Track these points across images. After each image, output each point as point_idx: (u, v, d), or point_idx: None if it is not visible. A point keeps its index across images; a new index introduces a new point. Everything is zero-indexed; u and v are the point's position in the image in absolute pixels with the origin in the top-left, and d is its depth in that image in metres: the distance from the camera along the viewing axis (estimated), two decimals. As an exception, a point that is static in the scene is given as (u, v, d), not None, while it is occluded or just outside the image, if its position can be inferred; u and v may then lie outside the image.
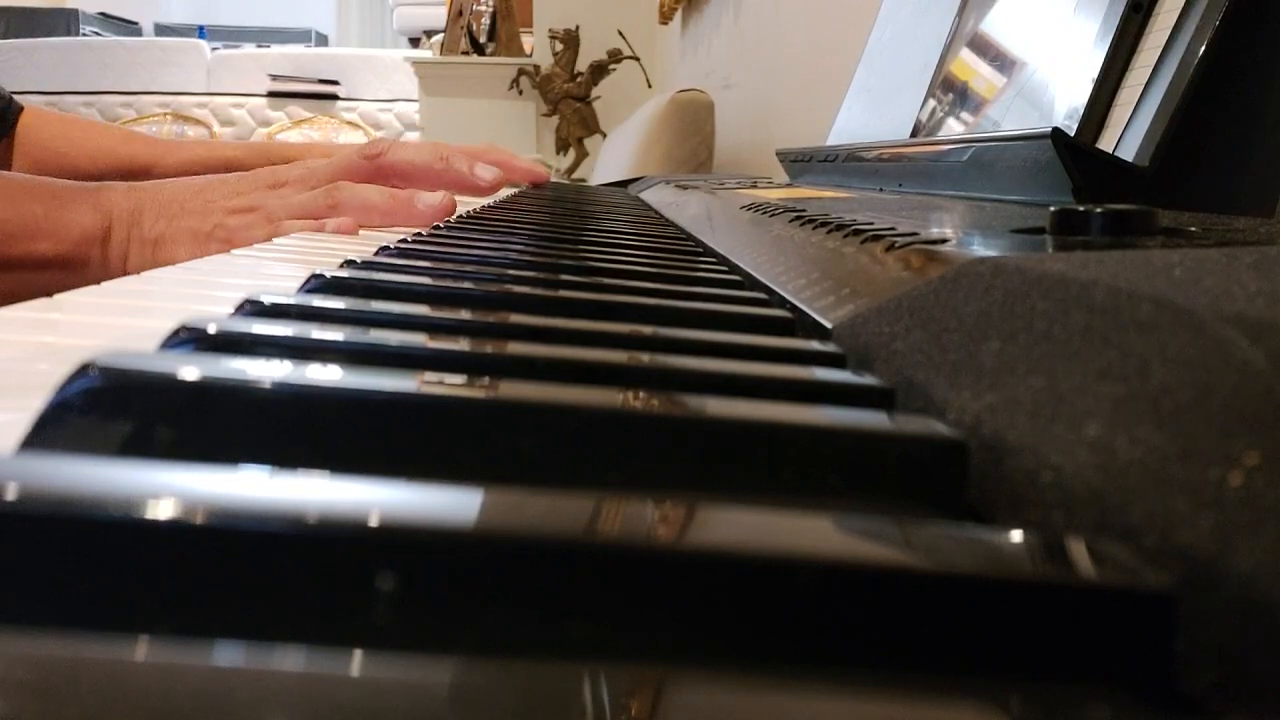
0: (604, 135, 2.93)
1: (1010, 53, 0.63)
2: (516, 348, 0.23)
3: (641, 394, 0.19)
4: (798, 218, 0.46)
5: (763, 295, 0.38)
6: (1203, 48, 0.42)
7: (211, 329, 0.21)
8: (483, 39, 3.39)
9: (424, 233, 0.57)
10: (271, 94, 4.53)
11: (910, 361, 0.22)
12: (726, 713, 0.10)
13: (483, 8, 3.39)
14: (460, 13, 3.42)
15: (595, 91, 3.03)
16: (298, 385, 0.17)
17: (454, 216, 0.71)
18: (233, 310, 0.25)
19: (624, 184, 1.79)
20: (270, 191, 0.68)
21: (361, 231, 0.66)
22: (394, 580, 0.11)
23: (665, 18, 2.88)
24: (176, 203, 0.67)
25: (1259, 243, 0.27)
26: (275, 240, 0.57)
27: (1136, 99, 0.45)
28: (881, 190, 0.72)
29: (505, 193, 1.30)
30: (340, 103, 4.54)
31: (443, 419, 0.17)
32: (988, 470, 0.17)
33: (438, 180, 0.70)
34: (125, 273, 0.64)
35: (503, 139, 3.08)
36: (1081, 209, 0.29)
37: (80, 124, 1.03)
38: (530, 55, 3.35)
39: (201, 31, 5.86)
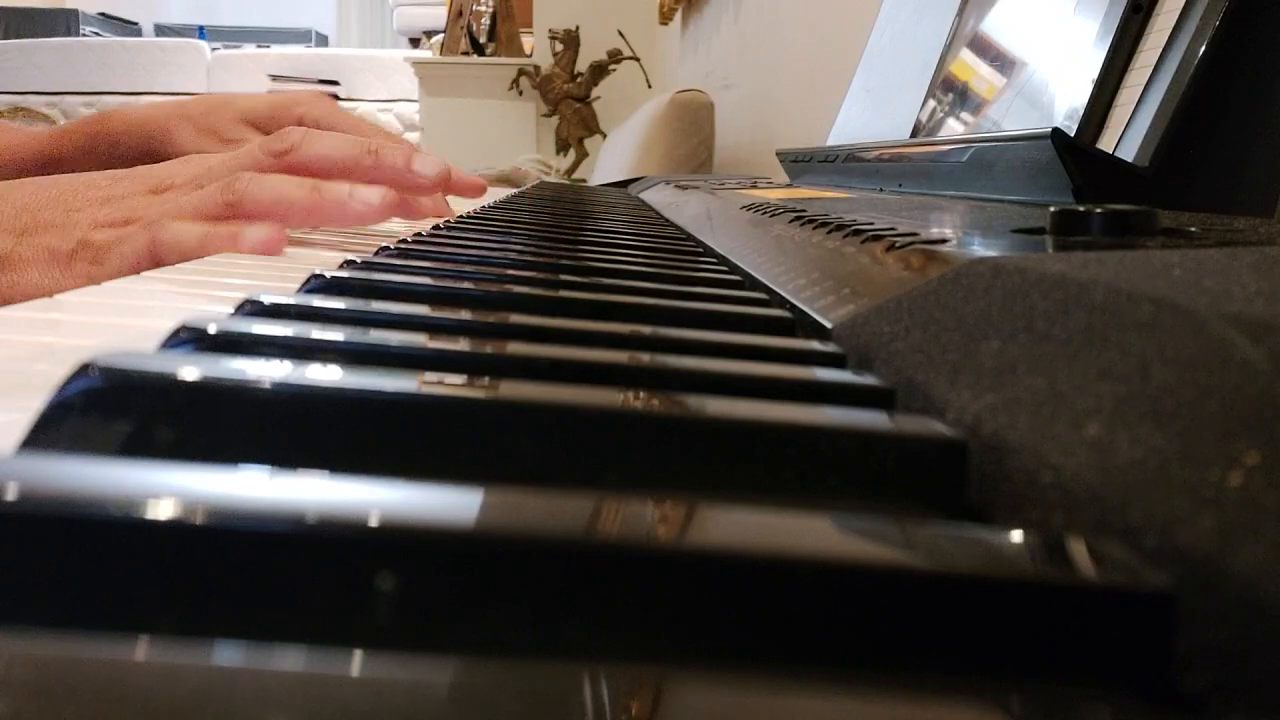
0: (604, 135, 2.93)
1: (1010, 53, 0.63)
2: (516, 348, 0.23)
3: (641, 394, 0.19)
4: (798, 218, 0.46)
5: (763, 295, 0.38)
6: (1203, 48, 0.42)
7: (211, 329, 0.21)
8: (483, 39, 3.39)
9: (424, 233, 0.56)
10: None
11: (910, 361, 0.22)
12: (726, 713, 0.10)
13: (483, 8, 3.39)
14: (460, 13, 3.42)
15: (595, 92, 3.03)
16: (298, 385, 0.17)
17: (442, 219, 0.69)
18: (233, 310, 0.25)
19: (624, 184, 1.79)
20: (152, 197, 0.54)
21: (359, 234, 0.63)
22: (394, 580, 0.11)
23: (665, 18, 2.88)
24: (28, 212, 0.52)
25: (1259, 243, 0.27)
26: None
27: (1136, 99, 0.45)
28: (881, 190, 0.72)
29: (506, 193, 1.30)
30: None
31: (443, 419, 0.17)
32: (988, 470, 0.17)
33: (366, 179, 0.57)
34: None
35: (503, 139, 3.09)
36: (1081, 209, 0.29)
37: None
38: (530, 55, 3.36)
39: (201, 32, 5.86)
